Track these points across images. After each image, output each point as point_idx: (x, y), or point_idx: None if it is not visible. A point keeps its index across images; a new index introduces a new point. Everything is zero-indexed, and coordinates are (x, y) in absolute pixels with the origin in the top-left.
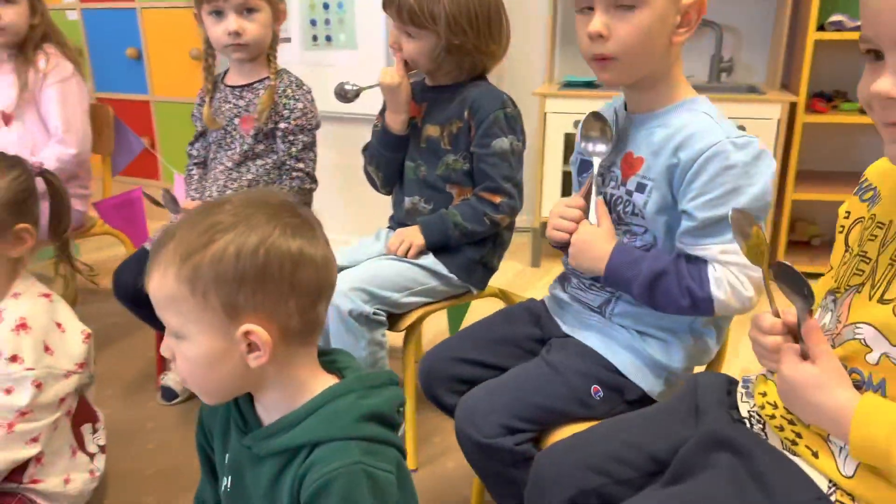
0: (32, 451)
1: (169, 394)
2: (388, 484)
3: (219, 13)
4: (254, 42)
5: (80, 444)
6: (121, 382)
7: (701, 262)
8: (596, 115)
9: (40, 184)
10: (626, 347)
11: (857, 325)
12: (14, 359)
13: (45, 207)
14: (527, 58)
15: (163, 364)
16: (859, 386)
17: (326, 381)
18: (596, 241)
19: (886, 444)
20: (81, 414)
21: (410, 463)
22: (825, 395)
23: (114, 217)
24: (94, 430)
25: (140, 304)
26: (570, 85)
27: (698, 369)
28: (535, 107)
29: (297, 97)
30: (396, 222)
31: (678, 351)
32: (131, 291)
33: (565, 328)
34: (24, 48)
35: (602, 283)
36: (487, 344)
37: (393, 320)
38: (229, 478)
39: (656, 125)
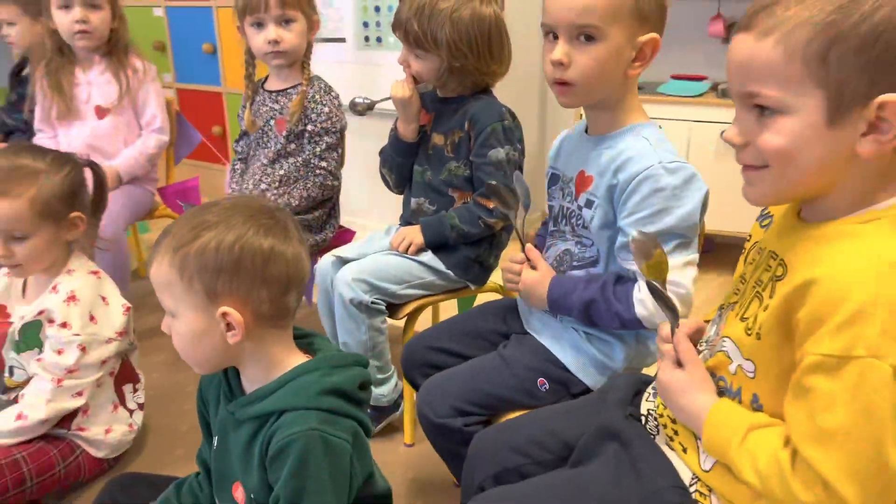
0: (77, 403)
1: None
2: (341, 450)
3: (259, 24)
4: (290, 50)
5: (122, 401)
6: (170, 351)
7: (629, 282)
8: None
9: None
10: (573, 347)
11: (724, 338)
12: (64, 325)
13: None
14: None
15: None
16: (723, 392)
17: (299, 359)
18: (535, 284)
19: (727, 442)
20: (124, 375)
21: (407, 438)
22: (688, 398)
23: (173, 202)
24: (135, 390)
25: None
26: None
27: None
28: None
29: (324, 102)
30: (404, 221)
31: (620, 352)
32: None
33: (526, 326)
34: (113, 51)
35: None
36: (459, 336)
37: (394, 309)
38: (216, 438)
39: (605, 147)
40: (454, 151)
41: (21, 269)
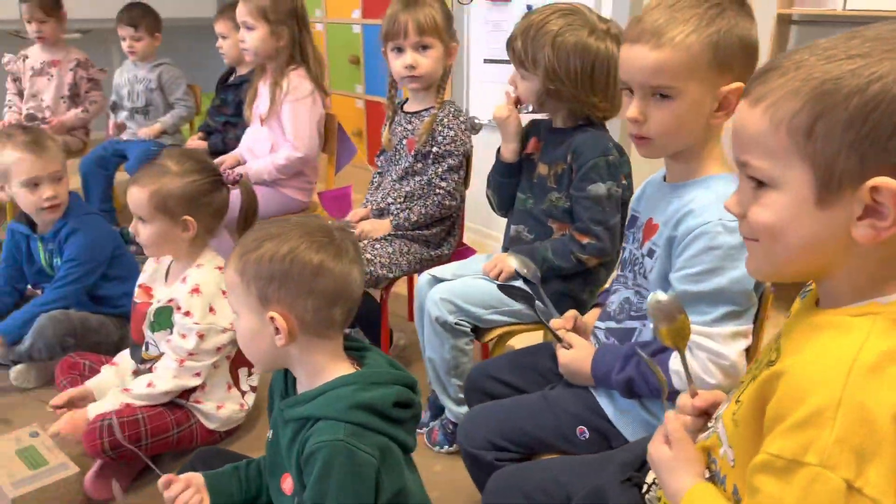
0: (196, 381)
1: None
2: (366, 462)
3: (399, 49)
4: (425, 75)
5: (236, 383)
6: None
7: (667, 352)
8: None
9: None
10: (618, 398)
11: (718, 419)
12: (187, 314)
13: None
14: None
15: None
16: (713, 477)
17: (343, 369)
18: (575, 363)
19: None
20: (239, 360)
21: None
22: (672, 476)
23: (330, 206)
24: (249, 374)
25: None
26: None
27: None
28: None
29: (451, 126)
30: (504, 247)
31: (663, 410)
32: None
33: None
34: (277, 66)
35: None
36: (520, 369)
37: (481, 333)
38: (271, 431)
39: (674, 196)
40: (556, 182)
41: (146, 249)
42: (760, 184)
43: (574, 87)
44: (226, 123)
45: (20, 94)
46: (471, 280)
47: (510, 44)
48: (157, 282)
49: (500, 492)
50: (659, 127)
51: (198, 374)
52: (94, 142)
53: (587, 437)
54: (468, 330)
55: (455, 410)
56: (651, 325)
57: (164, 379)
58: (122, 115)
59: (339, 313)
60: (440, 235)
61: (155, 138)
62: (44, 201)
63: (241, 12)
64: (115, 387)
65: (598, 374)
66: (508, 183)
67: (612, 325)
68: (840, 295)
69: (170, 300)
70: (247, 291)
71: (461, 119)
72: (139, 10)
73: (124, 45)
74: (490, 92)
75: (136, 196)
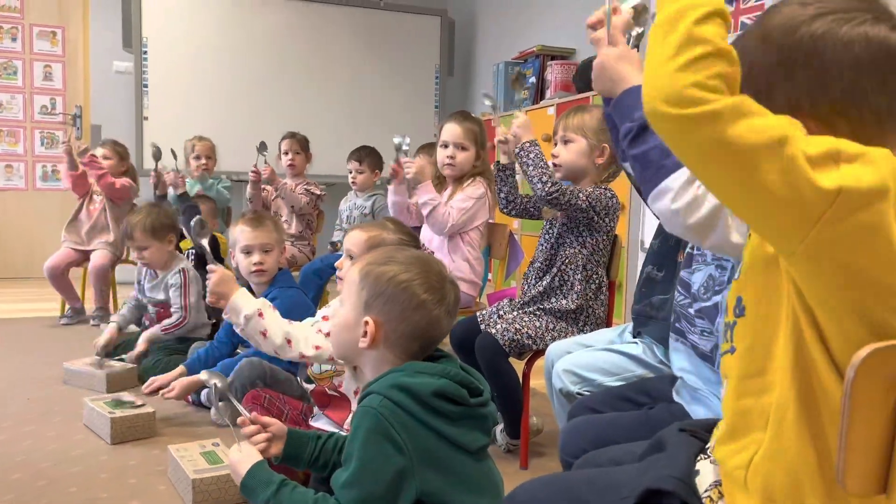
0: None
1: None
2: (386, 429)
3: (547, 139)
4: (565, 165)
5: None
6: None
7: None
8: None
9: None
10: (716, 414)
11: None
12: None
13: None
14: None
15: None
16: None
17: None
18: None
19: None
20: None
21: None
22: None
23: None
24: None
25: (466, 353)
26: None
27: None
28: None
29: (596, 188)
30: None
31: None
32: (460, 342)
33: (675, 396)
34: (464, 179)
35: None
36: (614, 399)
37: None
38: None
39: None
40: None
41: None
42: None
43: None
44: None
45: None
46: (593, 350)
47: None
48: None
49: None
50: None
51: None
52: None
53: None
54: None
55: None
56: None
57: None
58: (340, 235)
59: (418, 346)
60: (575, 310)
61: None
62: (252, 265)
63: (457, 134)
64: None
65: (626, 100)
66: None
67: (701, 305)
68: None
69: None
70: (358, 291)
71: (614, 196)
72: (366, 150)
73: (349, 176)
74: None
75: (356, 237)
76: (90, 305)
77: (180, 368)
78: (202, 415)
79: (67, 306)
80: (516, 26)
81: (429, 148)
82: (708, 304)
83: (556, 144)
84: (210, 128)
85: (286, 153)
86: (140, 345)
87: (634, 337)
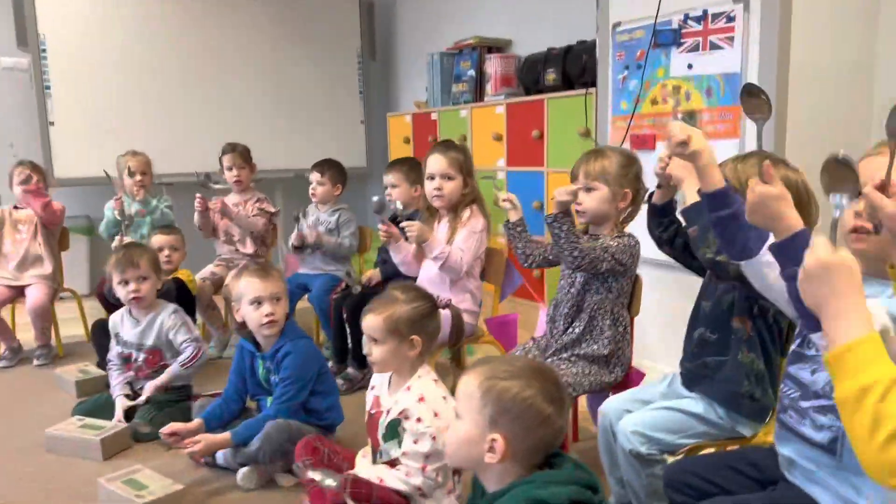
0: (441, 484)
1: None
2: None
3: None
4: (588, 211)
5: (454, 484)
6: None
7: None
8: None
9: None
10: (840, 499)
11: None
12: (418, 420)
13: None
14: None
15: None
16: None
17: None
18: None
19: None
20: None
21: None
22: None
23: (496, 331)
24: (458, 481)
25: None
26: None
27: None
28: None
29: (622, 240)
30: (686, 355)
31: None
32: None
33: (788, 475)
34: (458, 208)
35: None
36: (722, 469)
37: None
38: None
39: None
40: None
41: (376, 366)
42: None
43: None
44: None
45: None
46: (657, 410)
47: None
48: (382, 394)
49: None
50: None
51: (438, 480)
52: None
53: None
54: (660, 457)
55: None
56: None
57: (403, 482)
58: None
59: (542, 454)
60: (608, 355)
61: (314, 243)
62: (264, 317)
63: (442, 165)
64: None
65: (795, 243)
66: None
67: (824, 402)
68: None
69: (400, 412)
70: (481, 408)
71: (634, 243)
72: (329, 163)
73: (310, 188)
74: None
75: (372, 321)
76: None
77: (199, 421)
78: (228, 479)
79: (3, 347)
80: (441, 9)
81: (398, 165)
82: (831, 402)
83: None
84: (127, 130)
85: (230, 168)
86: (157, 387)
87: (689, 391)
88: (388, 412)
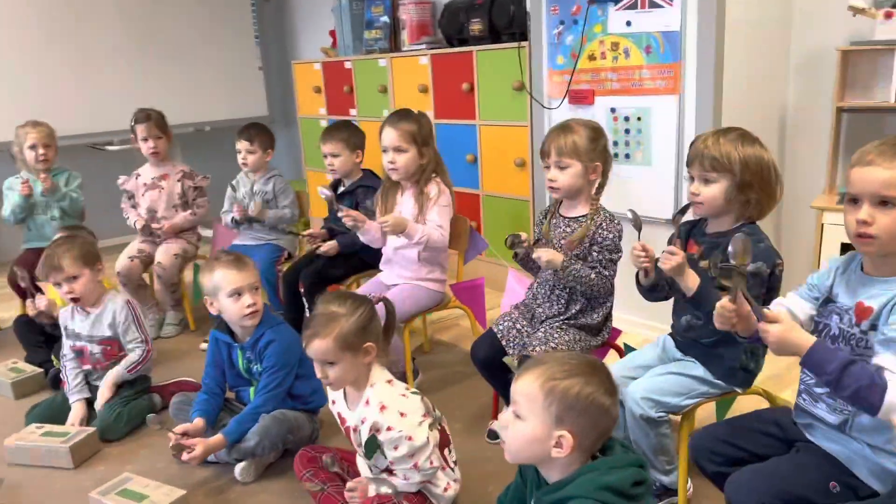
0: (437, 468)
1: (492, 434)
2: None
3: (547, 167)
4: (563, 188)
5: (446, 462)
6: (463, 416)
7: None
8: None
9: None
10: (860, 456)
11: None
12: (389, 429)
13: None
14: (806, 169)
15: (496, 411)
16: None
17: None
18: (785, 337)
19: None
20: (442, 441)
21: None
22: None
23: (463, 296)
24: (450, 451)
25: (493, 372)
26: None
27: None
28: (811, 219)
29: (609, 230)
30: (677, 332)
31: None
32: (486, 362)
33: (809, 436)
34: (419, 180)
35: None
36: (744, 433)
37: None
38: None
39: (880, 284)
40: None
41: (333, 385)
42: None
43: (760, 185)
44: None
45: (135, 208)
46: (660, 376)
47: (700, 152)
48: (342, 409)
49: None
50: (884, 229)
51: (433, 465)
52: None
53: (838, 490)
54: (667, 419)
55: (664, 479)
56: None
57: (408, 486)
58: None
59: (601, 442)
60: (601, 322)
61: (257, 217)
62: (245, 308)
63: (392, 138)
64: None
65: (813, 359)
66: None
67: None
68: None
69: (371, 429)
70: (545, 408)
71: (616, 223)
72: (256, 128)
73: (239, 157)
74: None
75: (321, 346)
76: None
77: (201, 421)
78: (225, 475)
79: None
80: None
81: (335, 133)
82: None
83: (547, 167)
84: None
85: (145, 139)
86: (106, 392)
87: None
88: (355, 429)
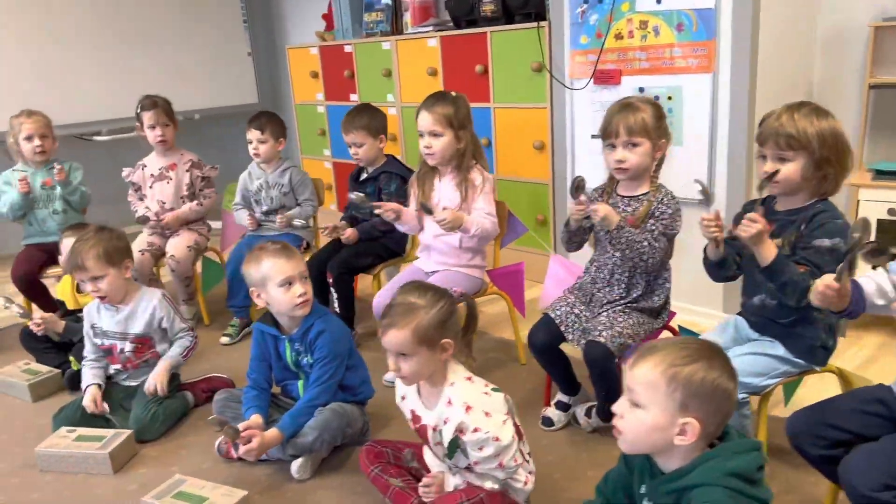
0: (520, 465)
1: (547, 422)
2: None
3: (612, 147)
4: (632, 168)
5: (522, 455)
6: None
7: None
8: None
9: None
10: None
11: None
12: (475, 430)
13: None
14: None
15: (549, 397)
16: None
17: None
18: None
19: None
20: (517, 434)
21: None
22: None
23: (501, 282)
24: (524, 443)
25: (550, 358)
26: (882, 173)
27: None
28: (843, 197)
29: (669, 206)
30: (749, 312)
31: None
32: (544, 348)
33: None
34: (460, 165)
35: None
36: (845, 413)
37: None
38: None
39: None
40: (792, 251)
41: (406, 379)
42: None
43: (836, 159)
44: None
45: (142, 200)
46: (743, 356)
47: (775, 130)
48: (416, 406)
49: None
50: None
51: (517, 463)
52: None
53: None
54: (748, 400)
55: None
56: None
57: (492, 483)
58: (257, 213)
59: (722, 426)
60: (661, 305)
61: (286, 227)
62: (297, 297)
63: (427, 122)
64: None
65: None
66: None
67: None
68: None
69: (456, 430)
70: (668, 395)
71: (676, 201)
72: (266, 116)
73: (250, 147)
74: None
75: (398, 336)
76: None
77: (258, 417)
78: (281, 473)
79: None
80: None
81: (356, 120)
82: None
83: (613, 146)
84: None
85: (152, 127)
86: (163, 375)
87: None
88: (435, 428)
